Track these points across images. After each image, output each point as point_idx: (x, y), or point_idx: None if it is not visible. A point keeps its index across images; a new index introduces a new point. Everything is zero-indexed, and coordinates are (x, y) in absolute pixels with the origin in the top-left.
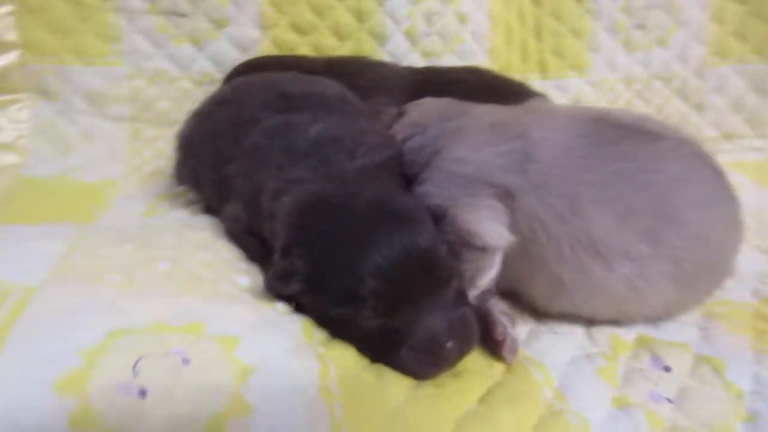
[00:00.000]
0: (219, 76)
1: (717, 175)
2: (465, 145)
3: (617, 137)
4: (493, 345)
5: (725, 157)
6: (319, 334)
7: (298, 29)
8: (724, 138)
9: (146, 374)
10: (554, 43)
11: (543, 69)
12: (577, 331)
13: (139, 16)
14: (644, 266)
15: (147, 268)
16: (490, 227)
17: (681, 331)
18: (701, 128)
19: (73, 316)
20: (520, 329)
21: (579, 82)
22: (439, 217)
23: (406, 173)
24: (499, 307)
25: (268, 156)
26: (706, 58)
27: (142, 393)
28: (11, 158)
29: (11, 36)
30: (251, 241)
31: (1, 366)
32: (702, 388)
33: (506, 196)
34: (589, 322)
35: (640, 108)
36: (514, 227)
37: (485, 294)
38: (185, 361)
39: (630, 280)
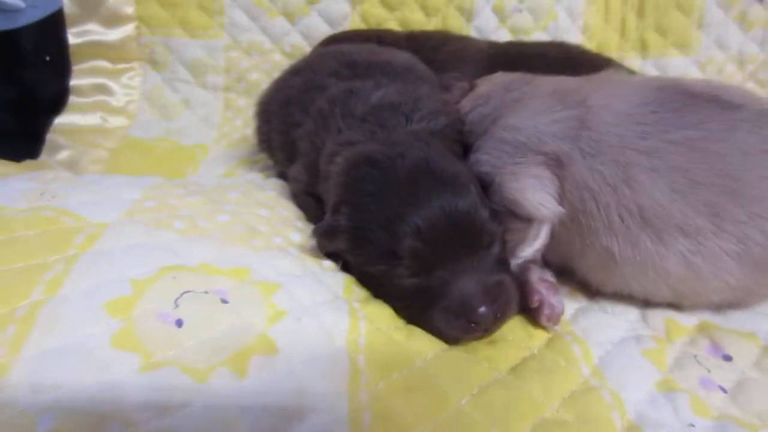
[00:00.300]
0: (308, 49)
1: None
2: (521, 113)
3: (683, 105)
4: (531, 313)
5: None
6: (360, 292)
7: (387, 4)
8: None
9: (186, 307)
10: (657, 20)
11: (643, 47)
12: (631, 313)
13: None
14: (702, 242)
15: (208, 219)
16: (535, 197)
17: (752, 321)
18: None
19: (133, 252)
20: (569, 306)
21: (683, 62)
22: (487, 185)
23: (465, 143)
24: (537, 275)
25: (330, 121)
26: None
27: (179, 323)
28: (121, 121)
29: (129, 10)
30: (310, 201)
31: (64, 288)
32: (765, 380)
33: (556, 165)
34: (646, 304)
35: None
36: (563, 197)
37: (528, 264)
38: (224, 301)
39: (686, 257)
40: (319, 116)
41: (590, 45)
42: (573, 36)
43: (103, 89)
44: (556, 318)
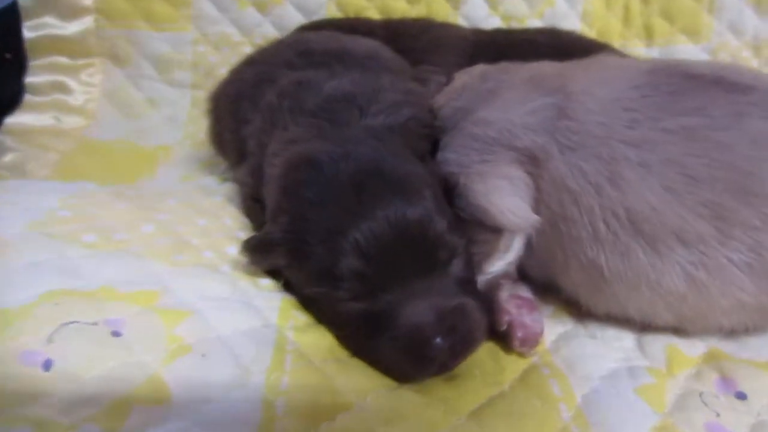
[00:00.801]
0: None
1: None
2: (493, 105)
3: (680, 88)
4: (505, 339)
5: None
6: (300, 318)
7: None
8: None
9: (62, 343)
10: (664, 4)
11: (648, 34)
12: (626, 339)
13: None
14: (705, 253)
15: (129, 230)
16: (504, 202)
17: None
18: None
19: (20, 273)
20: (552, 330)
21: (692, 50)
22: (453, 188)
23: (436, 139)
24: (507, 291)
25: (278, 116)
26: None
27: (47, 364)
28: (77, 121)
29: (87, 1)
30: (256, 208)
31: None
32: None
33: (530, 162)
34: (644, 329)
35: None
36: (539, 201)
37: (498, 280)
38: (115, 333)
39: (686, 271)
40: (268, 111)
41: (590, 33)
42: (572, 23)
43: (60, 87)
44: (532, 340)
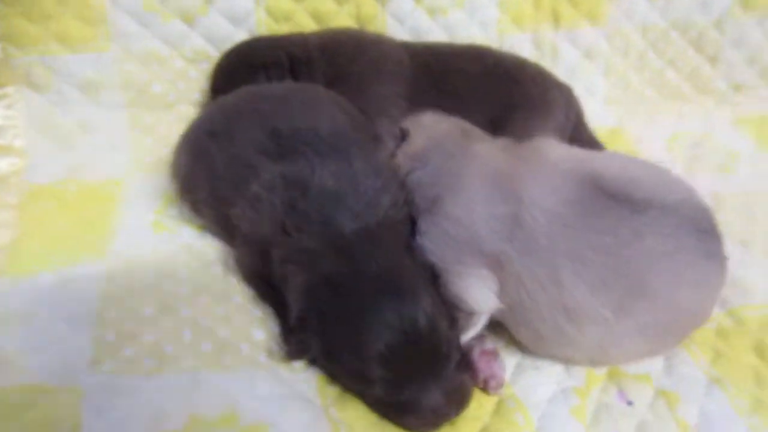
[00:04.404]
0: (213, 52)
1: (703, 241)
2: (461, 201)
3: (602, 209)
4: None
5: (733, 111)
6: (333, 389)
7: None
8: (734, 89)
9: None
10: None
11: (556, 19)
12: (557, 365)
13: None
14: (611, 330)
15: (173, 342)
16: (478, 295)
17: (647, 363)
18: (712, 81)
19: None
20: (509, 361)
21: (593, 34)
22: (435, 275)
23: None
24: (478, 350)
25: (271, 211)
26: (731, 8)
27: None
28: (12, 161)
29: None
30: (263, 286)
31: None
32: (657, 425)
33: (495, 264)
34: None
35: (652, 61)
36: (502, 290)
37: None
38: None
39: (599, 340)
40: (257, 202)
41: (506, 19)
42: (489, 11)
43: None
44: (501, 384)
